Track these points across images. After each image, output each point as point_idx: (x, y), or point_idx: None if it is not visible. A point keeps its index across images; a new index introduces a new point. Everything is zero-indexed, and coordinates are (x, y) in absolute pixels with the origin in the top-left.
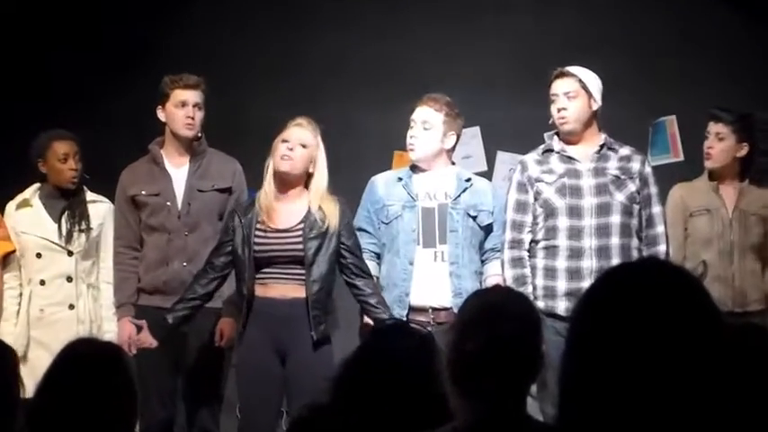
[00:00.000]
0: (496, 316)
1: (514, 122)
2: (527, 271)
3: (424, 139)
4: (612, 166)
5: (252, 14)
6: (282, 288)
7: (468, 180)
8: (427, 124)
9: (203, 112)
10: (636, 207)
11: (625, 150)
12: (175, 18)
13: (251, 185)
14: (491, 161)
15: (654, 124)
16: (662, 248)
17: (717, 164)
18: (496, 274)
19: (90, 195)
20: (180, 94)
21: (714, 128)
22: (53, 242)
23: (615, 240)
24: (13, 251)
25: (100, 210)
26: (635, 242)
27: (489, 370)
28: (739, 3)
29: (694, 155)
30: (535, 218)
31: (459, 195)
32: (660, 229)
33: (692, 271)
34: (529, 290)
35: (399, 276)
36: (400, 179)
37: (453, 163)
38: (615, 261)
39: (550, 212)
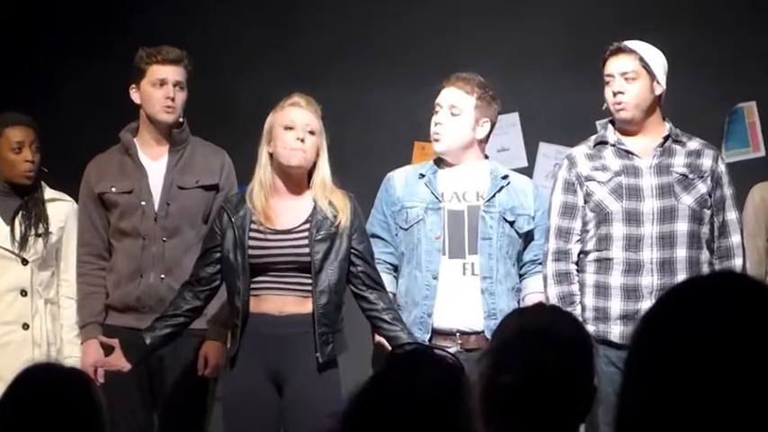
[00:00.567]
0: (538, 342)
1: (561, 108)
2: (574, 288)
3: (452, 126)
4: (679, 162)
5: None
6: (280, 301)
7: (505, 177)
8: (456, 109)
9: (185, 93)
10: (707, 212)
11: (694, 143)
12: None
13: (243, 182)
14: (532, 155)
15: (730, 112)
16: (738, 262)
17: None
18: (538, 291)
19: (49, 193)
20: (157, 71)
21: None
22: (4, 248)
23: (681, 252)
24: None
25: (61, 210)
26: (705, 255)
27: (529, 407)
28: None
29: None
30: (585, 224)
31: (493, 196)
32: (736, 238)
33: None
34: (577, 311)
35: (421, 293)
36: (422, 176)
37: (487, 156)
38: (681, 278)
39: (603, 218)
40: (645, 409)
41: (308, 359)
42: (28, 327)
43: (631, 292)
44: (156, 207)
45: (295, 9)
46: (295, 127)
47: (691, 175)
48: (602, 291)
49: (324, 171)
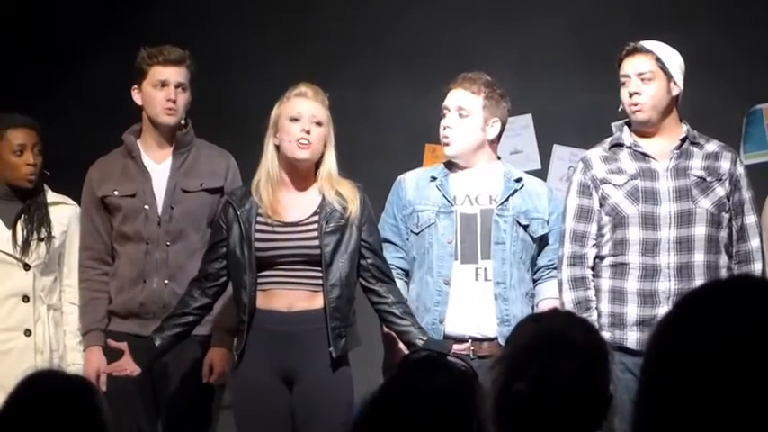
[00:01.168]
0: (552, 348)
1: (575, 110)
2: (590, 293)
3: (461, 129)
4: (696, 165)
5: None
6: (289, 296)
7: (519, 180)
8: (463, 111)
9: (188, 94)
10: (725, 216)
11: (712, 146)
12: None
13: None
14: (546, 157)
15: (747, 114)
16: (757, 267)
17: None
18: (552, 296)
19: (51, 196)
20: (159, 72)
21: None
22: (6, 253)
23: (699, 257)
24: None
25: (64, 214)
26: (723, 259)
27: (543, 414)
28: None
29: None
30: (600, 228)
31: (506, 199)
32: (755, 242)
33: None
34: (593, 316)
35: (432, 299)
36: (434, 179)
37: (499, 158)
38: (699, 283)
39: (619, 222)
40: (662, 416)
41: (321, 355)
42: (30, 333)
43: (648, 298)
44: (160, 211)
45: (305, 11)
46: (301, 118)
47: (709, 178)
48: (617, 296)
49: (330, 162)
